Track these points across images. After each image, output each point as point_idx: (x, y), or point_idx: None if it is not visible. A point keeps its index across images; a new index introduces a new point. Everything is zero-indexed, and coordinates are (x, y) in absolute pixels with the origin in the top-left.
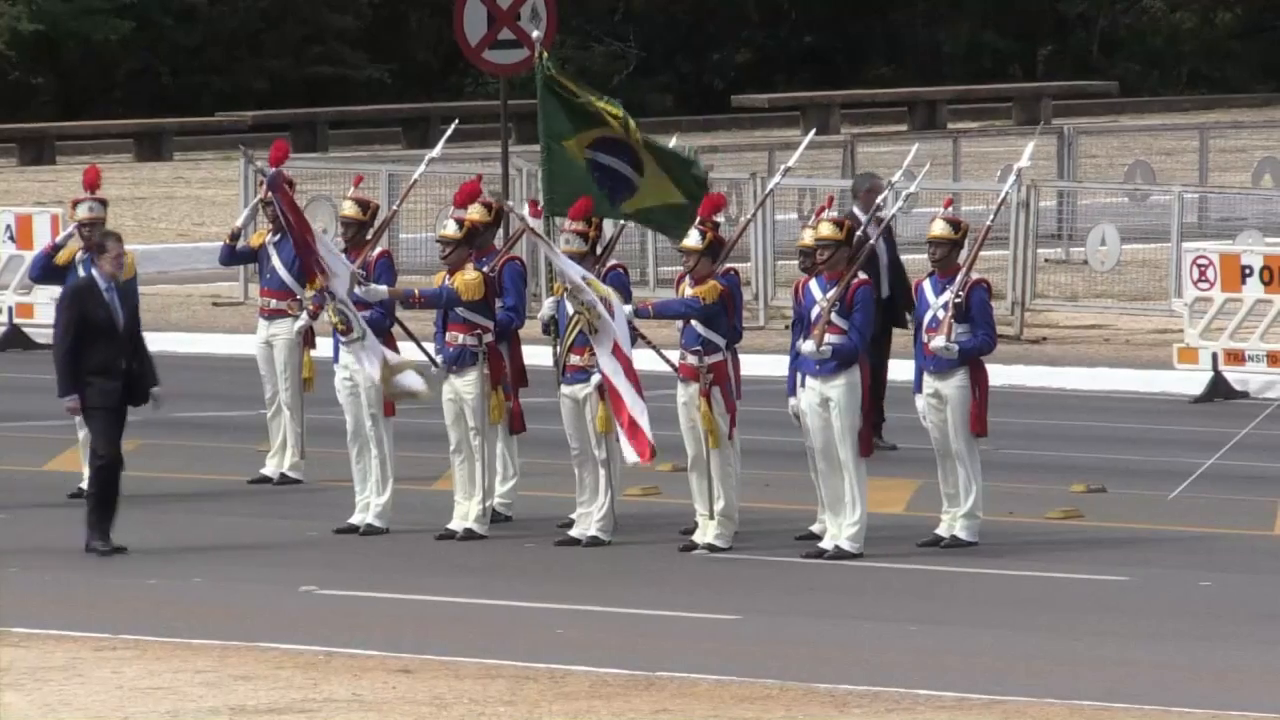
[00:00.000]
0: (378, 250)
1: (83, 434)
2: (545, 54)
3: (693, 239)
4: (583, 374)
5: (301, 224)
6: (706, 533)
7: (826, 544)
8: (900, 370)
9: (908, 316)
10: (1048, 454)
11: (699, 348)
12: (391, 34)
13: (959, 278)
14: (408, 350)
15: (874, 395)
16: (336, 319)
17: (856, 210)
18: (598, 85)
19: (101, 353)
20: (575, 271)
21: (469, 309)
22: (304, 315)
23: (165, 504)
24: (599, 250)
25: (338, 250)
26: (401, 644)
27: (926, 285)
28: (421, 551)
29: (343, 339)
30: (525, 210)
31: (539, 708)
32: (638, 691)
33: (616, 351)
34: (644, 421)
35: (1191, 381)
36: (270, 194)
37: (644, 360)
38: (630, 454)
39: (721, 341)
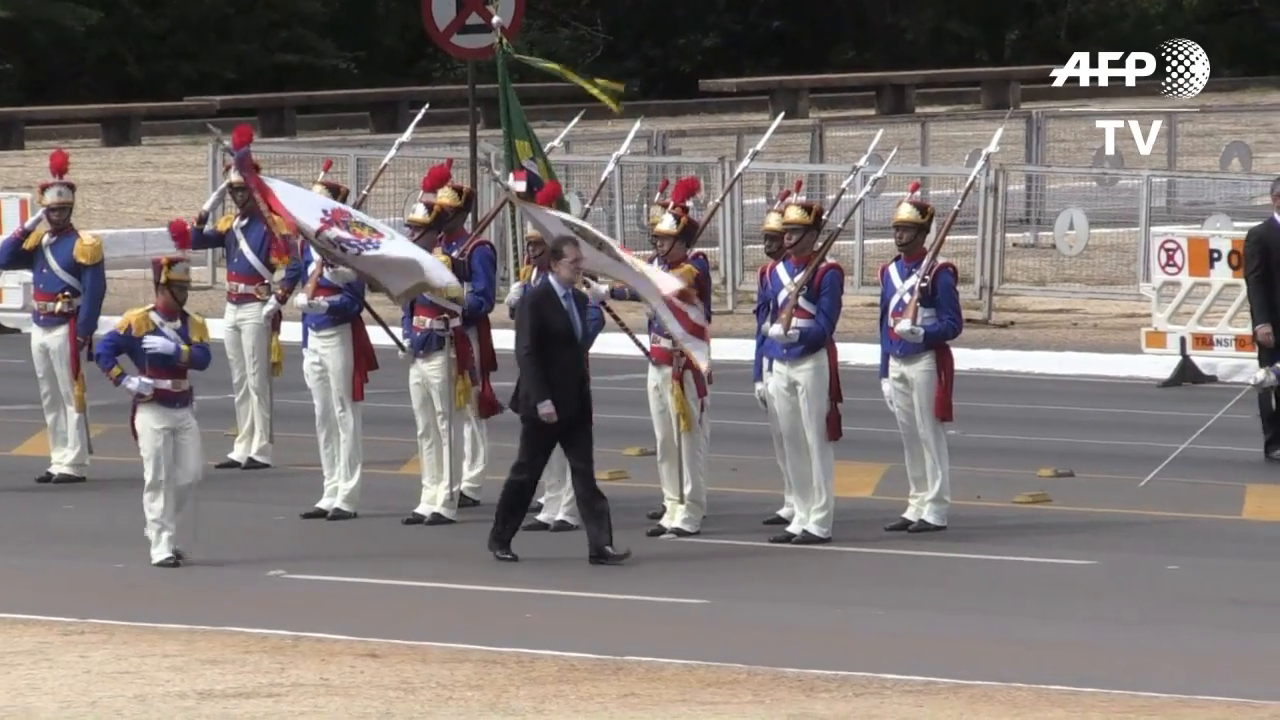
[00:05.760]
0: None
1: (50, 418)
2: (504, 41)
3: (666, 223)
4: None
5: (266, 196)
6: (675, 517)
7: (794, 528)
8: (866, 354)
9: None
10: (1016, 438)
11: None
12: (359, 19)
13: (925, 262)
14: (375, 333)
15: None
16: (356, 230)
17: (1277, 215)
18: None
19: (562, 361)
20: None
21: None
22: (272, 300)
23: (133, 487)
24: None
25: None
26: (369, 628)
27: (893, 270)
28: (389, 536)
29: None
30: (511, 180)
31: (506, 692)
32: (605, 676)
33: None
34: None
35: (1159, 366)
36: (240, 173)
37: (616, 344)
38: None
39: None
